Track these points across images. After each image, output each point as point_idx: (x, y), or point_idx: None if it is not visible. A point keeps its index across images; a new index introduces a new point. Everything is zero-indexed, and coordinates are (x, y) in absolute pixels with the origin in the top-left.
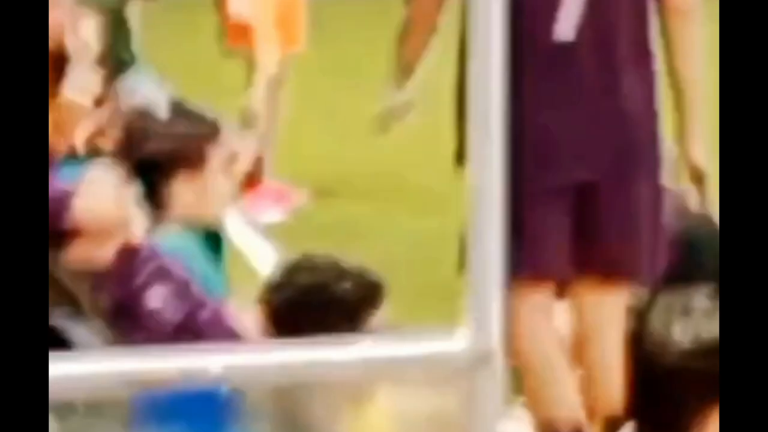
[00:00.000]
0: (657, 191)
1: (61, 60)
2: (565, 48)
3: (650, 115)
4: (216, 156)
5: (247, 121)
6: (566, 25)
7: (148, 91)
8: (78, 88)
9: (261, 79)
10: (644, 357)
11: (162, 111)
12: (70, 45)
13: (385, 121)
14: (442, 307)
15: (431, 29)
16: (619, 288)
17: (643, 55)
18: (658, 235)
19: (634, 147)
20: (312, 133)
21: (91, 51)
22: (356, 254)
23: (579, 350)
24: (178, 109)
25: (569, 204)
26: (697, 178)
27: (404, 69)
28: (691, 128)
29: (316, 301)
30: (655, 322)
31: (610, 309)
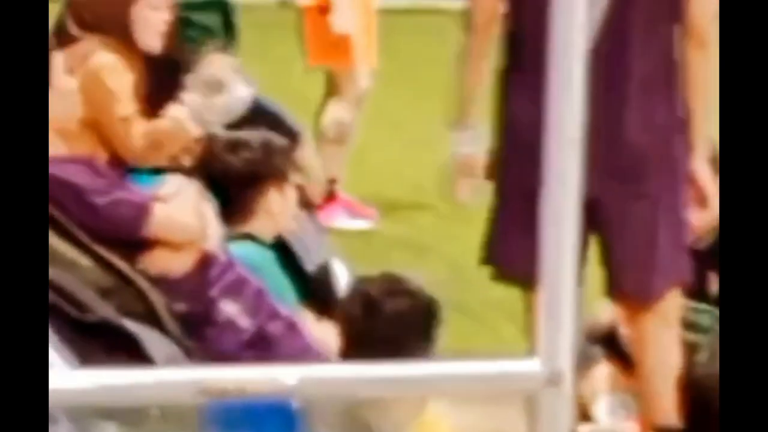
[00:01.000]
0: (675, 209)
1: (175, 79)
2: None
3: (668, 134)
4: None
5: (338, 135)
6: None
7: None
8: (193, 115)
9: (356, 94)
10: (696, 386)
11: (244, 103)
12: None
13: (455, 174)
14: (509, 324)
15: (487, 55)
16: (648, 308)
17: (668, 74)
18: (676, 253)
19: (644, 166)
20: (379, 148)
21: (217, 85)
22: (424, 269)
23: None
24: (261, 111)
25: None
26: (701, 199)
27: (464, 102)
28: (696, 151)
29: (409, 323)
30: (706, 352)
31: (648, 327)
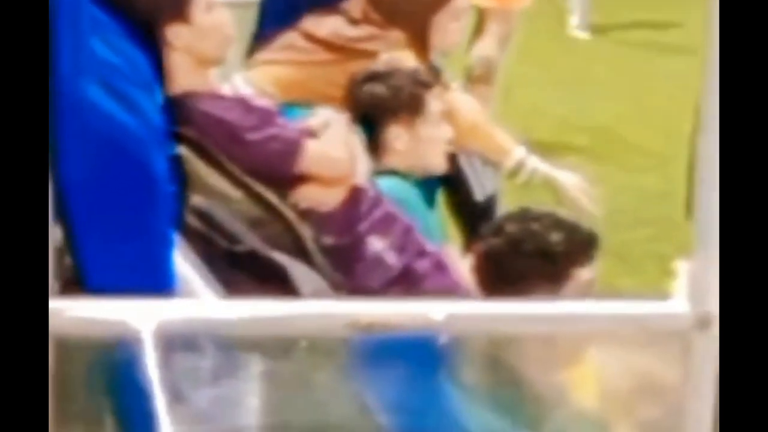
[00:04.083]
0: None
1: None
2: None
3: None
4: (434, 104)
5: (485, 73)
6: None
7: None
8: None
9: (505, 33)
10: None
11: None
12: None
13: None
14: (653, 266)
15: None
16: None
17: None
18: None
19: None
20: (528, 88)
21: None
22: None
23: None
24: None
25: None
26: None
27: None
28: None
29: (524, 250)
30: None
31: None
